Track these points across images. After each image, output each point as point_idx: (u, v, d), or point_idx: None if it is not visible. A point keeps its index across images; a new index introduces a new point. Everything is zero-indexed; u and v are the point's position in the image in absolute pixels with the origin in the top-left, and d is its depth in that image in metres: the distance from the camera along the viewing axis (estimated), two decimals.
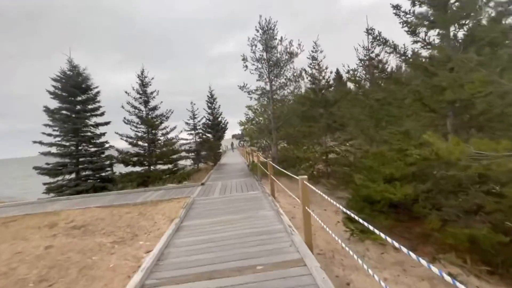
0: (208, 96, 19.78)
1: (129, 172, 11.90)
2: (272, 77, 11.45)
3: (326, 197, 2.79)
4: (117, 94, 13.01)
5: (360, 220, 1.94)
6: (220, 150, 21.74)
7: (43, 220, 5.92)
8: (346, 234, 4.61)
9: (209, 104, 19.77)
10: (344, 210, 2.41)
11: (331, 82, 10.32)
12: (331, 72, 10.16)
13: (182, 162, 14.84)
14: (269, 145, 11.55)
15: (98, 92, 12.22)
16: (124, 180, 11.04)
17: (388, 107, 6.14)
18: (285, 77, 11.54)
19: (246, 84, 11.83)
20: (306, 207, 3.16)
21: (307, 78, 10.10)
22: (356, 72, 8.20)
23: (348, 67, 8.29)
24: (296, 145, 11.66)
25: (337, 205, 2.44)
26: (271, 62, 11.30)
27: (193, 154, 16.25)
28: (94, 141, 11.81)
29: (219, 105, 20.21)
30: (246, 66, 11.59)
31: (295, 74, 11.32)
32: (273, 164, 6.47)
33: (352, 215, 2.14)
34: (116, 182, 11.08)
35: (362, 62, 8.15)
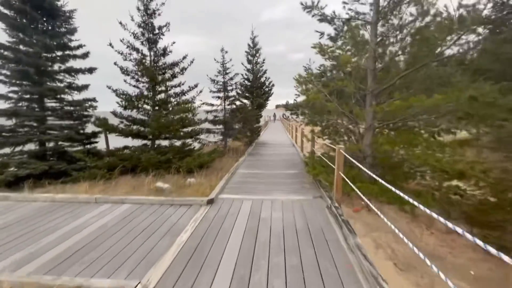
0: (249, 45, 13.66)
1: (112, 150, 7.61)
2: None
3: None
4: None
5: None
6: (260, 124, 16.33)
7: None
8: None
9: (249, 56, 13.81)
10: None
11: None
12: None
13: (203, 137, 10.14)
14: (356, 127, 5.83)
15: (71, 17, 7.63)
16: (99, 166, 6.76)
17: None
18: None
19: (317, 2, 5.88)
20: None
21: None
22: None
23: None
24: (412, 133, 5.67)
25: None
26: None
27: (220, 127, 11.26)
28: (66, 96, 7.58)
29: (264, 59, 14.09)
30: None
31: None
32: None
33: None
34: (87, 167, 6.88)
35: None
